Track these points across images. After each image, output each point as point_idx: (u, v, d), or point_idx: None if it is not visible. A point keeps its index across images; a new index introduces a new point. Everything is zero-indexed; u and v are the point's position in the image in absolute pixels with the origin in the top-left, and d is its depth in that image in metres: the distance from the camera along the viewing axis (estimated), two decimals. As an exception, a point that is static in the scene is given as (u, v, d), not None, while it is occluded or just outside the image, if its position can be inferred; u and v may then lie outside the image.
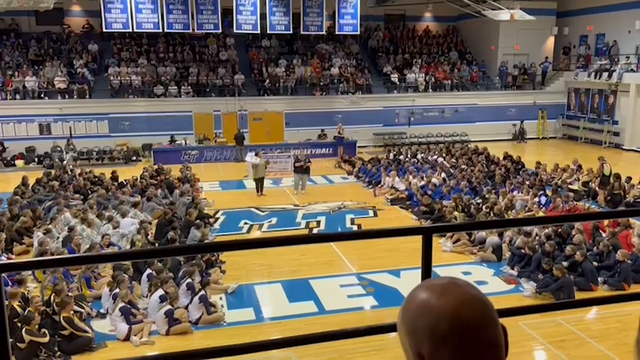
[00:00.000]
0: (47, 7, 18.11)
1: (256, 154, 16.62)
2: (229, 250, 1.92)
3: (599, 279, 9.48)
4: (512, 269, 10.19)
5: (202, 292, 8.33)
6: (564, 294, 8.81)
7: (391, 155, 20.54)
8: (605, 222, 11.67)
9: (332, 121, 24.08)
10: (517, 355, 7.31)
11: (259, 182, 16.29)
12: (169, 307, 8.01)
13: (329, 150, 22.78)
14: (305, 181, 16.56)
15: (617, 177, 14.66)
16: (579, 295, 9.05)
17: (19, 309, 7.67)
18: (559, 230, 10.98)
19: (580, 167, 16.82)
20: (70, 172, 17.58)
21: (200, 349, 1.90)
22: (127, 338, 7.84)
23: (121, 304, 7.91)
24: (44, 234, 10.71)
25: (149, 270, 9.17)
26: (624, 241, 10.53)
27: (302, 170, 16.36)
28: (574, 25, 27.34)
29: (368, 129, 24.98)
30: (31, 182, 15.70)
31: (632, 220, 12.08)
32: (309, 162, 16.75)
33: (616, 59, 24.31)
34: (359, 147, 23.28)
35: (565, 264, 9.35)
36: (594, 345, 7.52)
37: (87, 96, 22.90)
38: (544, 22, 26.32)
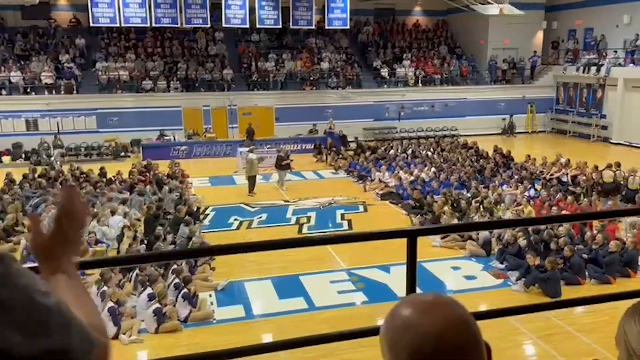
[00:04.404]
0: (32, 1, 17.88)
1: (250, 151, 16.60)
2: (221, 254, 1.91)
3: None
4: (501, 263, 10.26)
5: (185, 289, 8.29)
6: (550, 287, 8.89)
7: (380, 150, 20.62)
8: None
9: (323, 116, 24.02)
10: (505, 349, 7.36)
11: (252, 180, 15.98)
12: (157, 305, 7.96)
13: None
14: (284, 177, 16.68)
15: (618, 165, 14.75)
16: (566, 289, 9.14)
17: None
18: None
19: (568, 161, 16.87)
20: (57, 168, 17.37)
21: (193, 354, 1.88)
22: (115, 336, 7.79)
23: (109, 304, 7.85)
24: (29, 231, 10.59)
25: (137, 269, 9.11)
26: (612, 235, 10.62)
27: (286, 166, 16.47)
28: (563, 19, 27.45)
29: (358, 124, 24.94)
30: (18, 178, 15.52)
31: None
32: (290, 158, 16.95)
33: (604, 53, 24.45)
34: (349, 142, 23.23)
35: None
36: (581, 339, 7.58)
37: (75, 91, 22.65)
38: (532, 16, 26.40)
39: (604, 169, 14.71)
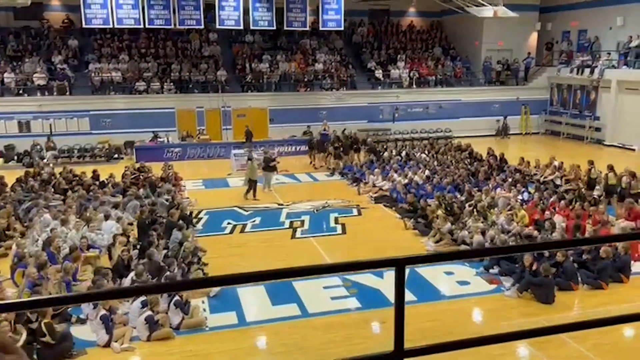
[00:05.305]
0: (24, 3, 17.74)
1: (249, 153, 16.62)
2: (226, 285, 1.92)
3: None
4: (493, 268, 10.27)
5: (177, 296, 8.24)
6: (543, 293, 8.91)
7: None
8: (588, 221, 11.81)
9: (317, 117, 23.96)
10: (498, 356, 7.35)
11: (254, 184, 15.60)
12: (149, 312, 7.92)
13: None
14: (271, 179, 16.68)
15: (610, 168, 14.72)
16: (559, 295, 9.16)
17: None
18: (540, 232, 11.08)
19: (562, 164, 16.90)
20: (49, 171, 17.21)
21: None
22: (107, 344, 7.74)
23: (102, 312, 7.79)
24: (21, 237, 10.52)
25: (132, 274, 9.06)
26: (604, 240, 10.66)
27: (273, 168, 16.50)
28: (557, 21, 27.53)
29: (353, 126, 24.88)
30: (10, 181, 15.39)
31: (611, 217, 12.27)
32: (277, 160, 17.07)
33: (598, 55, 24.54)
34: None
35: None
36: (573, 346, 7.60)
37: (68, 93, 22.52)
38: (527, 18, 26.46)
39: (624, 176, 14.50)
